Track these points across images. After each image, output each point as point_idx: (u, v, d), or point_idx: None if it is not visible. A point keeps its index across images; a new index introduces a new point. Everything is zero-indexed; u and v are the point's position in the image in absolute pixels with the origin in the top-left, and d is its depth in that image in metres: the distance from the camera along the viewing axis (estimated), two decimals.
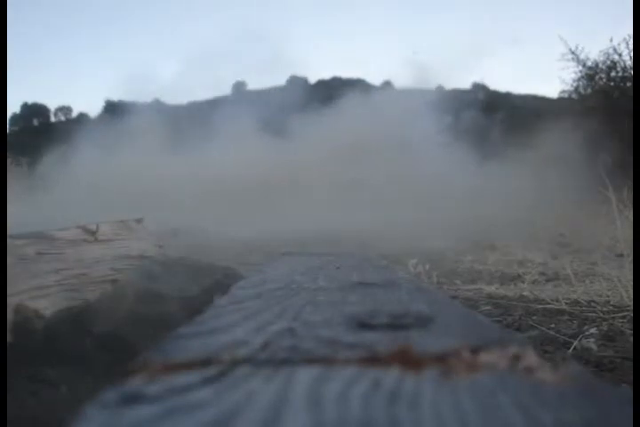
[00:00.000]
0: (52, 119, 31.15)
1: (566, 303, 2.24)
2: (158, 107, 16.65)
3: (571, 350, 1.68)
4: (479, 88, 20.18)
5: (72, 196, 9.82)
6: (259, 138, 12.33)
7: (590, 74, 10.43)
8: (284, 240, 5.33)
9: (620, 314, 2.04)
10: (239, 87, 26.88)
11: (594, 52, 11.60)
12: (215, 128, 12.94)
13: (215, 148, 12.08)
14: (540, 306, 2.24)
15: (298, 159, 11.24)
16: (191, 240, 4.88)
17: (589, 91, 10.47)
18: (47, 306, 1.33)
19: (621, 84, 9.98)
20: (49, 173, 12.52)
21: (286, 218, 8.04)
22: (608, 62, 10.26)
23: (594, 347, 1.70)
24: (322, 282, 0.99)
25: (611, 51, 10.22)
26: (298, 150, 11.56)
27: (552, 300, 2.30)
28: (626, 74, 9.99)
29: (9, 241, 1.29)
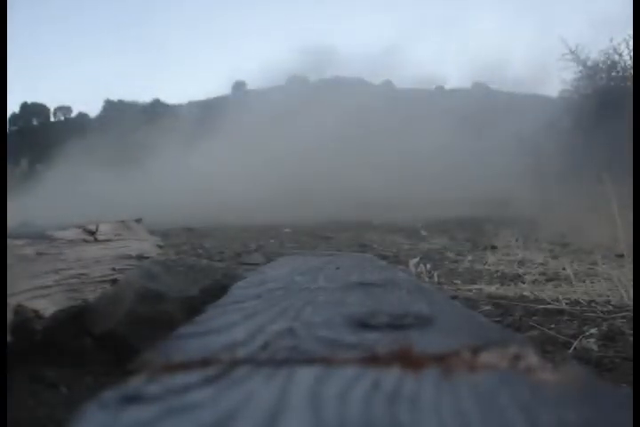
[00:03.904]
0: (52, 119, 31.17)
1: (566, 303, 2.24)
2: None
3: (571, 351, 1.68)
4: (480, 88, 20.18)
5: None
6: None
7: (590, 74, 10.42)
8: None
9: (620, 314, 2.04)
10: (239, 87, 26.85)
11: (594, 52, 11.61)
12: None
13: None
14: (541, 306, 2.23)
15: None
16: None
17: (589, 91, 10.47)
18: (47, 306, 1.33)
19: (622, 84, 9.97)
20: None
21: None
22: (608, 62, 10.26)
23: (594, 347, 1.70)
24: (322, 282, 0.98)
25: (611, 51, 10.22)
26: None
27: (552, 300, 2.30)
28: (626, 74, 9.97)
29: (9, 241, 1.29)
